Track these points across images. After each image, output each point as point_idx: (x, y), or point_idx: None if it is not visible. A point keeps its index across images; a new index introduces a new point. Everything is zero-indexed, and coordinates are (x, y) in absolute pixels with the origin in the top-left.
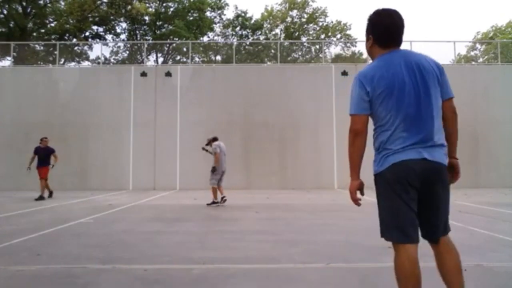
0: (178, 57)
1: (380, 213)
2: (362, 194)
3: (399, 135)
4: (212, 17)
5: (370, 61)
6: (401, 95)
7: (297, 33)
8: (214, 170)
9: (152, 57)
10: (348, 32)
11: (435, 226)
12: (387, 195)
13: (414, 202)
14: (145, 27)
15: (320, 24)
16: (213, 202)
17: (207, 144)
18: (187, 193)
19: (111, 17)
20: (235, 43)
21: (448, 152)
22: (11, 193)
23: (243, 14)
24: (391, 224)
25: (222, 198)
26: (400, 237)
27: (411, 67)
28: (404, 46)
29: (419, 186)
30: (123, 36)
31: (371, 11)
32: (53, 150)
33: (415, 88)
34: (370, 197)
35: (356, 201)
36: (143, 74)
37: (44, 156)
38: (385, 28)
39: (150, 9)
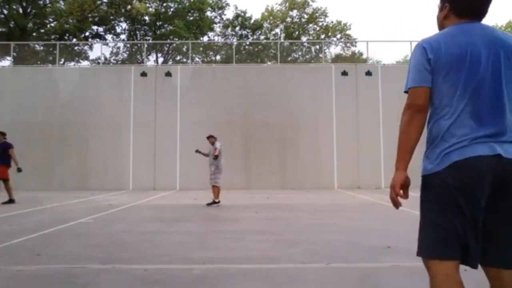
0: (178, 57)
1: (424, 227)
2: (405, 195)
3: (466, 122)
4: (213, 17)
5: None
6: (474, 71)
7: (297, 33)
8: (216, 167)
9: (152, 57)
10: (348, 32)
11: (508, 247)
12: (442, 206)
13: (480, 218)
14: (145, 27)
15: (320, 24)
16: (214, 202)
17: (212, 138)
18: (187, 193)
19: (111, 17)
20: (235, 43)
21: None
22: None
23: (242, 14)
24: (436, 241)
25: (214, 201)
26: (439, 251)
27: (493, 43)
28: (404, 46)
29: (489, 192)
30: (123, 36)
31: (368, 10)
32: (10, 145)
33: (494, 68)
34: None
35: (397, 200)
36: (143, 74)
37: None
38: None
39: (150, 9)
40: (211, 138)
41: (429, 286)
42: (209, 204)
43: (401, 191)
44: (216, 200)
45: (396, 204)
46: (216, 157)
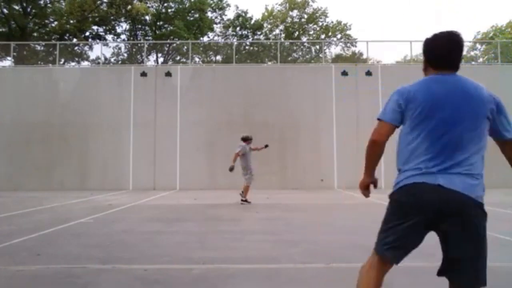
0: (178, 57)
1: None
2: (375, 187)
3: (422, 157)
4: (213, 18)
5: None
6: (438, 117)
7: (297, 33)
8: (242, 168)
9: (152, 57)
10: (348, 32)
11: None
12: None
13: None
14: (145, 27)
15: (320, 24)
16: (245, 201)
17: (247, 141)
18: (187, 193)
19: (111, 17)
20: (235, 43)
21: None
22: (11, 193)
23: (243, 14)
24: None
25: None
26: (387, 252)
27: (462, 93)
28: (404, 46)
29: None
30: (123, 36)
31: (368, 10)
32: None
33: (457, 116)
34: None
35: (365, 194)
36: (143, 74)
37: None
38: (436, 49)
39: (150, 9)
40: (247, 141)
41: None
42: (243, 201)
43: (366, 190)
44: (243, 199)
45: (366, 196)
46: (264, 147)
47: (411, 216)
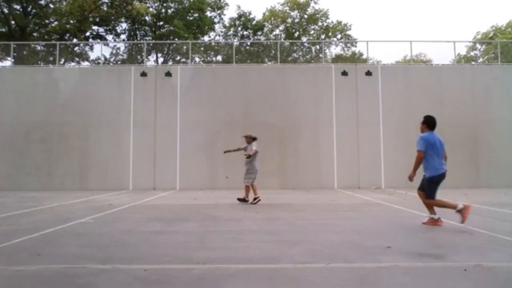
0: (178, 57)
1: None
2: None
3: (436, 161)
4: (213, 17)
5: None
6: (436, 147)
7: (297, 33)
8: (249, 167)
9: (152, 57)
10: (348, 32)
11: None
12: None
13: None
14: (145, 27)
15: (321, 24)
16: (244, 200)
17: (248, 138)
18: (187, 193)
19: (112, 18)
20: (235, 43)
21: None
22: (11, 193)
23: (246, 15)
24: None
25: (255, 198)
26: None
27: (438, 138)
28: (404, 46)
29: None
30: (123, 36)
31: (368, 10)
32: None
33: (440, 146)
34: (370, 197)
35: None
36: (143, 74)
37: None
38: (433, 122)
39: (150, 9)
40: (248, 138)
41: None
42: (252, 203)
43: (411, 179)
44: (247, 199)
45: (411, 180)
46: (249, 157)
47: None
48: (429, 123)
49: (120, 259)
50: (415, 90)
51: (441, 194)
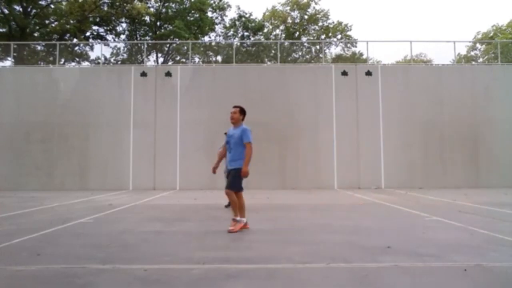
0: (178, 57)
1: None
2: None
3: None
4: (214, 18)
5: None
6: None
7: (297, 33)
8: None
9: (152, 57)
10: (348, 32)
11: None
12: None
13: None
14: (145, 27)
15: (321, 24)
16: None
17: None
18: (187, 193)
19: (112, 18)
20: (235, 43)
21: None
22: (11, 193)
23: (247, 15)
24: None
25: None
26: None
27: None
28: (404, 46)
29: None
30: (123, 36)
31: (368, 10)
32: None
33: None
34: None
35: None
36: (143, 74)
37: None
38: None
39: (150, 9)
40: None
41: None
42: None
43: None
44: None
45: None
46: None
47: None
48: (245, 114)
49: (120, 259)
50: (415, 90)
51: (439, 194)
